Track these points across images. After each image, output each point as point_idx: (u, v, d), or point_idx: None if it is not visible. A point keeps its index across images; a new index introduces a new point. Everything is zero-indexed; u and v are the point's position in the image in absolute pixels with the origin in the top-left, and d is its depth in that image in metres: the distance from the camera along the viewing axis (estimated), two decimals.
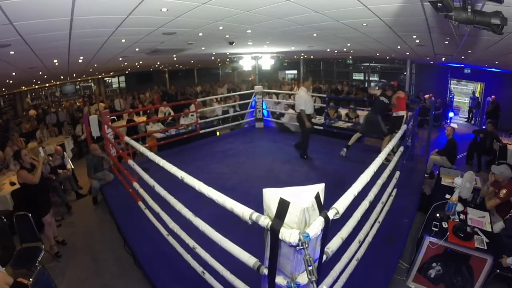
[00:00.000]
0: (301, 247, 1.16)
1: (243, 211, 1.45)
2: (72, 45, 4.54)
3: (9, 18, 2.70)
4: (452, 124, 10.48)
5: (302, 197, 1.23)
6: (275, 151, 5.96)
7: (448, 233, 2.88)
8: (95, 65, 8.41)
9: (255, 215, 1.38)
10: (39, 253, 3.22)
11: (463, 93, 11.72)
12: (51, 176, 4.95)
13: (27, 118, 9.54)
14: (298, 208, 1.18)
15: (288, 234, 1.18)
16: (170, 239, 2.74)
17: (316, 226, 1.22)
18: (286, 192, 1.24)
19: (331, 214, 1.36)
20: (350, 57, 13.00)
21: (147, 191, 3.04)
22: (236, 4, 3.36)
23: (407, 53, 8.57)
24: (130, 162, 3.29)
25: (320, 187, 1.30)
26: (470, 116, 11.16)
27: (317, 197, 1.26)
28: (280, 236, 1.22)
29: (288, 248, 1.27)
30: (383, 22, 4.06)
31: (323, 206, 1.31)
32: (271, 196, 1.27)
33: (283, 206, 1.22)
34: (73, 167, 5.85)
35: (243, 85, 14.89)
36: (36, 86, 12.10)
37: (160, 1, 2.98)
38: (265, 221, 1.30)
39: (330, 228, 1.40)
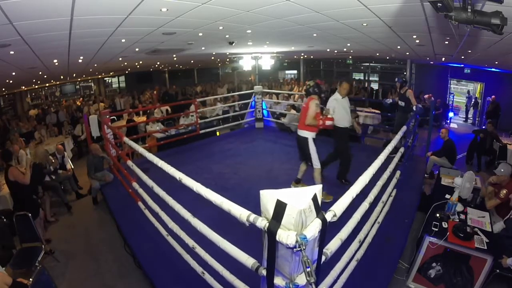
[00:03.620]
0: (298, 249, 1.16)
1: (241, 212, 1.45)
2: (72, 45, 4.54)
3: (9, 18, 2.70)
4: (452, 124, 10.50)
5: (299, 199, 1.22)
6: (275, 151, 5.96)
7: (448, 233, 2.88)
8: (95, 65, 8.41)
9: (252, 216, 1.38)
10: (39, 253, 3.22)
11: (463, 93, 11.72)
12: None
13: (27, 117, 9.55)
14: (295, 209, 1.18)
15: (285, 235, 1.18)
16: (170, 239, 2.74)
17: (313, 228, 1.22)
18: (283, 194, 1.24)
19: (328, 216, 1.36)
20: (350, 57, 12.99)
21: (146, 191, 3.04)
22: (236, 4, 3.36)
23: (407, 53, 8.57)
24: (129, 162, 3.29)
25: (317, 188, 1.30)
26: (467, 115, 11.16)
27: (314, 198, 1.26)
28: (277, 238, 1.21)
29: (286, 250, 1.27)
30: (383, 22, 4.06)
31: (320, 208, 1.31)
32: (268, 197, 1.27)
33: (280, 207, 1.22)
34: (73, 167, 5.85)
35: (243, 85, 14.90)
36: (36, 86, 12.10)
37: (160, 1, 2.98)
38: (262, 222, 1.30)
39: (329, 229, 1.40)
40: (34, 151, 4.45)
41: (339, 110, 3.94)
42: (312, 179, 3.77)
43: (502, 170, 3.53)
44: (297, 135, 3.72)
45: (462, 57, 7.42)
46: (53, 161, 5.28)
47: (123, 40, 4.95)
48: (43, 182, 4.62)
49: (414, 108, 4.94)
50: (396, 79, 5.52)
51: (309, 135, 3.58)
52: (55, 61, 6.03)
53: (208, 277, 2.25)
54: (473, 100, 10.76)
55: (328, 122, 3.52)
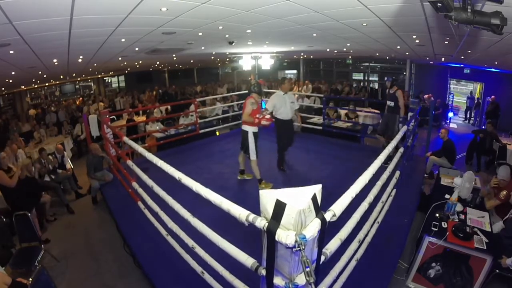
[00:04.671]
0: (298, 249, 1.16)
1: (240, 212, 1.45)
2: (71, 45, 4.54)
3: (9, 17, 2.69)
4: (451, 125, 10.50)
5: (299, 199, 1.22)
6: (274, 151, 5.94)
7: (447, 233, 2.88)
8: (95, 64, 8.40)
9: (252, 216, 1.38)
10: (39, 253, 3.22)
11: (462, 93, 11.73)
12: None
13: (27, 117, 9.54)
14: (295, 209, 1.18)
15: (285, 235, 1.18)
16: (170, 239, 2.74)
17: (312, 228, 1.22)
18: (283, 194, 1.24)
19: (328, 216, 1.36)
20: (350, 57, 12.99)
21: (146, 191, 3.04)
22: (236, 4, 3.35)
23: (407, 53, 8.57)
24: (129, 162, 3.28)
25: (317, 188, 1.30)
26: (468, 116, 11.17)
27: (314, 198, 1.26)
28: (276, 238, 1.21)
29: (285, 250, 1.27)
30: (383, 22, 4.06)
31: (319, 208, 1.31)
32: (268, 197, 1.27)
33: (280, 207, 1.22)
34: (72, 166, 5.85)
35: (243, 85, 14.90)
36: (36, 86, 12.09)
37: (160, 1, 2.98)
38: (261, 222, 1.30)
39: (329, 229, 1.40)
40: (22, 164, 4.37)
41: (279, 104, 4.55)
42: (307, 182, 3.78)
43: (502, 174, 3.54)
44: (241, 128, 4.15)
45: (462, 57, 7.42)
46: (52, 159, 5.27)
47: (122, 40, 4.95)
48: (41, 194, 4.50)
49: (400, 115, 4.95)
50: (386, 78, 5.53)
51: (250, 129, 4.01)
52: (54, 60, 6.02)
53: (207, 277, 2.25)
54: (476, 101, 10.77)
55: (264, 122, 3.91)
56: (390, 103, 5.09)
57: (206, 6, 3.25)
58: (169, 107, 9.25)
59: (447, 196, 3.51)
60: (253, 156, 4.09)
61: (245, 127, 4.07)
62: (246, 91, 8.81)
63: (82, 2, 2.63)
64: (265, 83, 6.29)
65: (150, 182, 2.68)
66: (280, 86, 4.80)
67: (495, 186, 3.56)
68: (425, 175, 5.32)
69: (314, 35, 5.67)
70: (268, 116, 4.01)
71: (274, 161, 5.33)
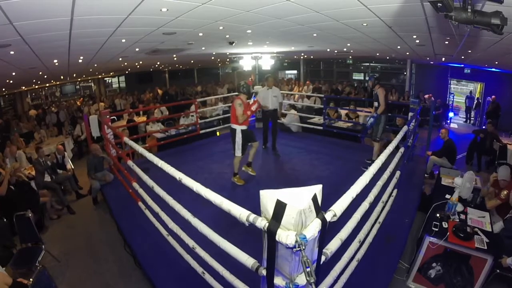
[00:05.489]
0: (298, 249, 1.16)
1: (240, 212, 1.45)
2: (72, 45, 4.54)
3: (9, 18, 2.69)
4: (452, 125, 10.49)
5: (299, 199, 1.22)
6: (277, 156, 5.94)
7: (448, 233, 2.88)
8: (95, 65, 8.40)
9: (252, 216, 1.38)
10: (39, 253, 3.23)
11: (463, 93, 11.72)
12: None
13: (27, 117, 9.55)
14: (295, 209, 1.18)
15: (285, 235, 1.18)
16: (170, 239, 2.74)
17: (313, 228, 1.22)
18: (283, 194, 1.24)
19: (328, 216, 1.36)
20: (350, 57, 12.99)
21: (147, 192, 3.04)
22: (236, 4, 3.35)
23: (407, 53, 8.56)
24: (130, 162, 3.28)
25: (317, 188, 1.30)
26: (468, 116, 11.16)
27: (314, 198, 1.26)
28: (277, 238, 1.22)
29: (286, 250, 1.27)
30: (383, 22, 4.05)
31: (320, 208, 1.31)
32: (268, 197, 1.27)
33: (280, 207, 1.22)
34: (73, 167, 5.85)
35: None
36: (36, 86, 12.09)
37: (160, 1, 2.98)
38: (262, 222, 1.30)
39: (330, 229, 1.40)
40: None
41: (264, 97, 5.46)
42: (308, 182, 3.78)
43: (502, 174, 3.53)
44: (230, 127, 4.35)
45: (462, 57, 7.42)
46: (49, 156, 5.28)
47: (123, 40, 4.95)
48: (38, 198, 4.46)
49: (373, 115, 4.82)
50: (368, 78, 5.48)
51: (238, 127, 4.19)
52: (55, 61, 6.03)
53: (208, 277, 2.25)
54: (476, 100, 10.76)
55: (254, 107, 4.17)
56: (376, 104, 5.04)
57: (206, 7, 3.25)
58: (167, 112, 9.25)
59: (447, 196, 3.51)
60: (238, 152, 4.24)
61: (233, 126, 4.21)
62: None
63: (82, 2, 2.63)
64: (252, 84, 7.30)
65: (150, 182, 2.68)
66: (265, 83, 5.77)
67: (494, 180, 3.57)
68: (425, 175, 5.31)
69: (315, 35, 5.67)
70: (253, 101, 4.33)
71: (275, 161, 5.35)
